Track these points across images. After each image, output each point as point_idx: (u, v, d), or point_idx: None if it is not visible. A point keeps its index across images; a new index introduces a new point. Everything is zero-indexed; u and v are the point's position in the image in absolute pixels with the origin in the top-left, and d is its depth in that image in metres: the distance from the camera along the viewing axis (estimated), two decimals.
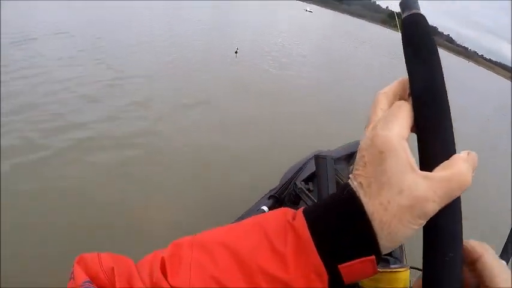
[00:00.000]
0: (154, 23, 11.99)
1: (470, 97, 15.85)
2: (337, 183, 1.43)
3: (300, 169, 2.19)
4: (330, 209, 0.30)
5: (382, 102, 0.33)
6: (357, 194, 0.28)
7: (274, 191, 2.01)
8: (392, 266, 0.83)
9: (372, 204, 0.27)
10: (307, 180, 1.93)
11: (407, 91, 0.33)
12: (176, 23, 12.94)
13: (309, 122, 5.61)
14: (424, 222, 0.28)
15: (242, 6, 26.46)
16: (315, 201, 1.54)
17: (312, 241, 0.29)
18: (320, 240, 0.29)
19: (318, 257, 0.28)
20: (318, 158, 1.42)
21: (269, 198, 1.95)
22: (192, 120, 4.61)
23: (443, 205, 0.28)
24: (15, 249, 2.08)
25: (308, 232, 0.29)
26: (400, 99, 0.33)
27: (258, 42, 13.04)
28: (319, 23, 37.26)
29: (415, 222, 0.27)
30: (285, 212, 0.32)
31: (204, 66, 7.36)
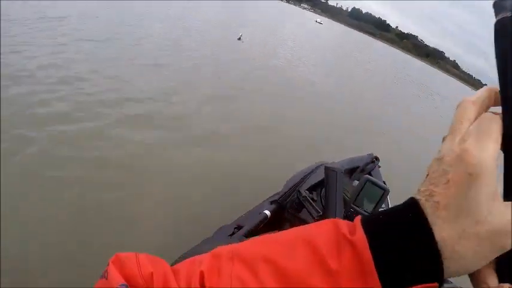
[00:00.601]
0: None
1: None
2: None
3: (305, 177, 2.17)
4: (394, 227, 0.27)
5: (470, 112, 0.28)
6: (427, 214, 0.26)
7: (278, 196, 1.97)
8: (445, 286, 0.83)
9: (446, 230, 0.25)
10: (311, 190, 1.91)
11: (493, 101, 0.30)
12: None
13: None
14: (499, 254, 0.25)
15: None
16: (319, 211, 1.55)
17: (372, 261, 0.26)
18: (381, 261, 0.26)
19: (378, 279, 0.25)
20: (328, 170, 1.44)
21: (271, 203, 1.92)
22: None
23: None
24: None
25: (369, 251, 0.26)
26: (486, 110, 0.29)
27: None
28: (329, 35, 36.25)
29: (491, 256, 0.25)
30: (337, 223, 0.29)
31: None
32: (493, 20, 0.30)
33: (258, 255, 0.29)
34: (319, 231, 0.29)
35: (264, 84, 7.34)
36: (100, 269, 0.33)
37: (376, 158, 2.60)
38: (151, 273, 0.31)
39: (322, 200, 1.77)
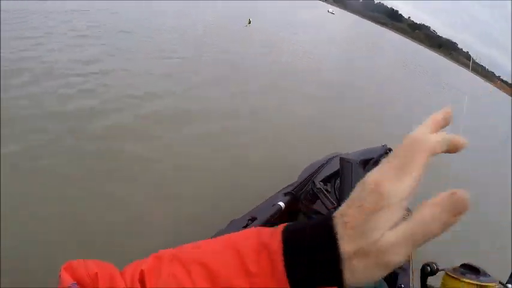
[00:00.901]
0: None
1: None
2: None
3: (319, 168, 2.13)
4: (308, 236, 0.31)
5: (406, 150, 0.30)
6: (337, 230, 0.29)
7: (292, 188, 1.94)
8: (482, 279, 0.85)
9: (349, 246, 0.28)
10: (325, 181, 1.88)
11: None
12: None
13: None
14: (391, 270, 0.29)
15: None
16: (333, 202, 1.55)
17: (283, 265, 0.29)
18: (291, 265, 0.30)
19: (287, 281, 0.29)
20: (343, 161, 1.44)
21: (285, 194, 1.88)
22: None
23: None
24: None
25: (282, 255, 0.30)
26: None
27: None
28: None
29: (377, 272, 0.29)
30: (260, 231, 0.33)
31: None
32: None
33: (194, 258, 0.34)
34: (245, 238, 0.34)
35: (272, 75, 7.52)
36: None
37: (390, 150, 2.57)
38: (96, 273, 0.35)
39: (336, 191, 1.75)
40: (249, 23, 12.46)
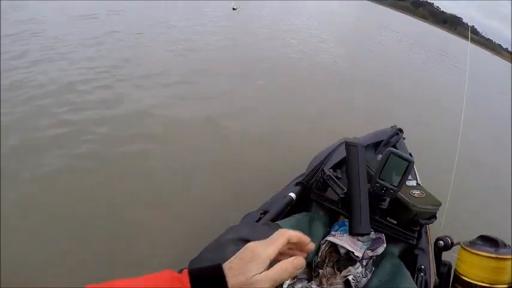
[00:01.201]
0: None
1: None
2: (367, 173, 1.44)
3: (328, 156, 2.12)
4: (207, 274, 0.48)
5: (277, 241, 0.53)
6: (225, 271, 0.47)
7: (302, 178, 1.93)
8: (501, 251, 0.80)
9: (232, 281, 0.46)
10: (335, 167, 1.86)
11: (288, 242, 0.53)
12: None
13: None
14: None
15: None
16: (344, 188, 1.54)
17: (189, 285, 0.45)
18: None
19: None
20: (349, 145, 1.42)
21: (296, 184, 1.87)
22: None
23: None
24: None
25: (189, 284, 0.45)
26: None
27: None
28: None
29: None
30: (170, 273, 0.47)
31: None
32: None
33: None
34: (161, 277, 0.47)
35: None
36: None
37: (400, 130, 2.56)
38: None
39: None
40: (236, 9, 11.73)
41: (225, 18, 11.13)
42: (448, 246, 1.02)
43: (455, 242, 1.00)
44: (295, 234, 0.55)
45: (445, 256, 1.08)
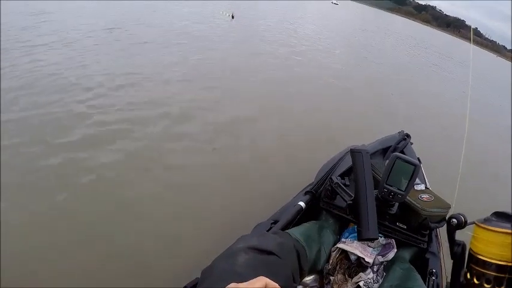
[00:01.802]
0: None
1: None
2: (373, 177, 1.43)
3: (336, 164, 2.12)
4: None
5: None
6: None
7: (310, 187, 1.93)
8: None
9: None
10: (343, 175, 1.87)
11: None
12: None
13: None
14: None
15: None
16: (351, 195, 1.52)
17: None
18: None
19: None
20: (354, 152, 1.42)
21: (305, 194, 1.87)
22: None
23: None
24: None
25: None
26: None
27: None
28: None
29: None
30: None
31: None
32: None
33: None
34: None
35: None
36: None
37: (407, 135, 2.56)
38: None
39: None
40: (231, 16, 11.73)
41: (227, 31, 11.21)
42: (461, 224, 0.99)
43: (468, 220, 0.96)
44: (272, 284, 0.56)
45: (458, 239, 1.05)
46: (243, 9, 15.79)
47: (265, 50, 9.07)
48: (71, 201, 2.52)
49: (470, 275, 0.84)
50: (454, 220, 0.99)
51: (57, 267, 1.99)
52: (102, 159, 3.07)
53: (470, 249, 0.85)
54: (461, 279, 0.87)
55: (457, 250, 0.98)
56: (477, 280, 0.81)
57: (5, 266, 1.85)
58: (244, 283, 0.53)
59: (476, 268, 0.82)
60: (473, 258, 0.83)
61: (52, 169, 2.81)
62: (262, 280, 0.54)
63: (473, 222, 0.87)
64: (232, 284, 0.52)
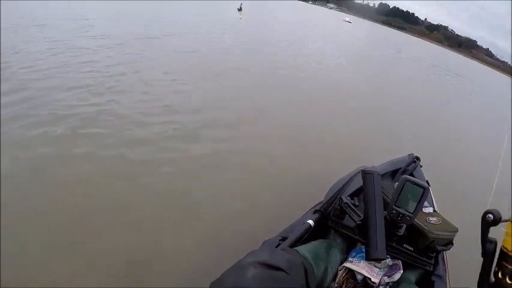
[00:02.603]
0: None
1: None
2: (383, 199, 1.44)
3: (346, 184, 2.13)
4: None
5: None
6: None
7: (320, 206, 1.93)
8: None
9: None
10: (352, 196, 1.88)
11: None
12: None
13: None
14: None
15: None
16: (361, 216, 1.51)
17: None
18: None
19: None
20: (365, 173, 1.42)
21: (314, 212, 1.88)
22: None
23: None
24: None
25: None
26: None
27: None
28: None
29: None
30: None
31: None
32: None
33: None
34: None
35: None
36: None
37: (417, 158, 2.58)
38: None
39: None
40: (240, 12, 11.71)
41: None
42: (497, 220, 0.92)
43: (503, 217, 0.91)
44: None
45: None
46: None
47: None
48: None
49: (502, 274, 0.81)
50: (490, 216, 0.92)
51: None
52: None
53: (503, 246, 0.81)
54: (492, 278, 0.84)
55: (489, 247, 0.92)
56: (510, 280, 0.79)
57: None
58: None
59: (509, 267, 0.79)
60: (506, 256, 0.80)
61: None
62: None
63: (508, 220, 0.83)
64: None
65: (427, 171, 2.65)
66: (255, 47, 11.33)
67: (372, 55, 18.66)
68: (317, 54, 12.83)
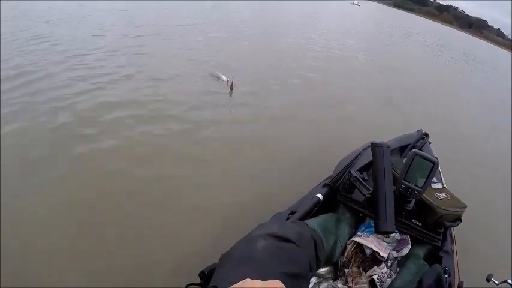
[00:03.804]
0: None
1: None
2: (392, 174, 1.42)
3: (355, 158, 2.11)
4: None
5: None
6: None
7: (329, 180, 1.92)
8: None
9: None
10: (362, 170, 1.85)
11: None
12: None
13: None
14: None
15: None
16: (370, 189, 1.50)
17: None
18: None
19: None
20: (375, 146, 1.42)
21: (323, 186, 1.86)
22: None
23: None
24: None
25: None
26: None
27: None
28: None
29: None
30: None
31: None
32: None
33: None
34: None
35: None
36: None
37: (426, 134, 2.54)
38: None
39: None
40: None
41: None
42: None
43: None
44: None
45: None
46: None
47: None
48: None
49: None
50: None
51: None
52: None
53: None
54: None
55: None
56: None
57: None
58: (260, 281, 0.51)
59: None
60: None
61: None
62: (279, 284, 0.52)
63: None
64: (248, 280, 0.51)
65: (436, 148, 2.64)
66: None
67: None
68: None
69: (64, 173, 2.71)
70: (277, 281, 0.52)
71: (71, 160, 2.88)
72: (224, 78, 5.22)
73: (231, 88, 4.92)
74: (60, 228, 2.18)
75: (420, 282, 1.32)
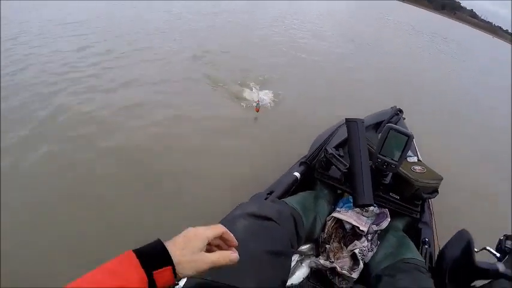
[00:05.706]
0: None
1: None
2: (368, 150, 1.44)
3: (330, 136, 2.10)
4: (153, 251, 0.55)
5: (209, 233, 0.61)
6: (168, 245, 0.56)
7: (305, 158, 1.91)
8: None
9: (175, 252, 0.55)
10: (337, 147, 1.82)
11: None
12: None
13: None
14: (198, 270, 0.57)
15: None
16: (347, 165, 1.50)
17: (137, 260, 0.52)
18: (143, 262, 0.52)
19: (141, 267, 0.51)
20: (349, 121, 1.42)
21: (300, 165, 1.86)
22: None
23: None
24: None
25: (135, 256, 0.52)
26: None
27: None
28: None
29: (196, 268, 0.57)
30: (119, 257, 0.53)
31: None
32: None
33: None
34: (115, 261, 0.52)
35: None
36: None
37: (400, 111, 2.55)
38: None
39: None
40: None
41: None
42: None
43: None
44: (228, 232, 0.65)
45: None
46: None
47: None
48: None
49: None
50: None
51: None
52: None
53: None
54: None
55: None
56: None
57: None
58: (204, 226, 0.62)
59: None
60: None
61: None
62: (222, 227, 0.64)
63: None
64: (192, 228, 0.61)
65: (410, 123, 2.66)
66: None
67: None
68: None
69: None
70: (219, 225, 0.64)
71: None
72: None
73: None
74: None
75: (443, 250, 1.33)
